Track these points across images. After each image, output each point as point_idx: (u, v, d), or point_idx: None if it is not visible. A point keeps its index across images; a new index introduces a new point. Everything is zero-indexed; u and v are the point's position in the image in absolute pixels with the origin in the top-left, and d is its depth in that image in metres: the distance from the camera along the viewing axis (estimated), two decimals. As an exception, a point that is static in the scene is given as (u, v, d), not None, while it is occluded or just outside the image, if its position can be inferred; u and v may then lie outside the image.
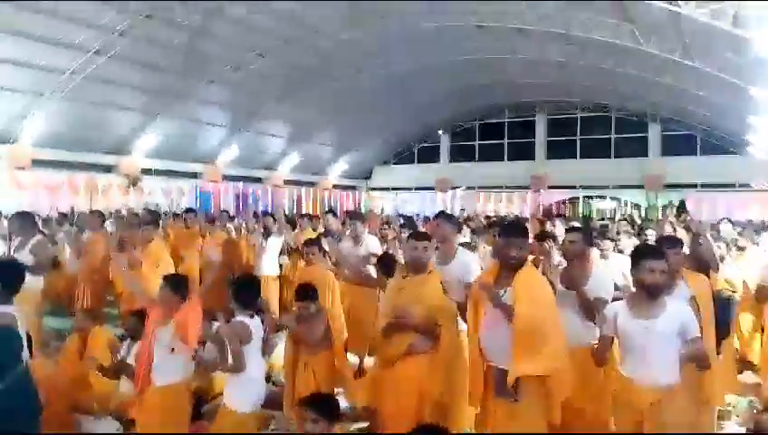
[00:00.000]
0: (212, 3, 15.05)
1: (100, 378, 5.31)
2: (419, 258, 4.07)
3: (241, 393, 3.91)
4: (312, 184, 29.99)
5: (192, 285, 8.26)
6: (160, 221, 10.00)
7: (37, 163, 18.14)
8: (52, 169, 18.63)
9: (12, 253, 6.40)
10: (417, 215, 21.49)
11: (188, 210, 10.19)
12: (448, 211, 24.17)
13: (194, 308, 4.07)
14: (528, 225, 12.23)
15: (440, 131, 31.65)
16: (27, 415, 3.33)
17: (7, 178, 17.24)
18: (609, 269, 5.88)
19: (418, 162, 32.74)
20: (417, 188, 31.61)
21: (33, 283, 6.44)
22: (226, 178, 24.96)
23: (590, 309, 4.14)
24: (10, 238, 7.20)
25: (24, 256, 6.35)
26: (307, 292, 4.69)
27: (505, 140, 30.49)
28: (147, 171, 21.53)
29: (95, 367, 5.07)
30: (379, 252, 7.26)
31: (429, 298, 3.96)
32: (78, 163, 19.48)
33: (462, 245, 5.78)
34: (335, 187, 31.37)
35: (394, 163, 33.29)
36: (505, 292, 3.47)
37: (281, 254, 8.76)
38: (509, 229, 3.71)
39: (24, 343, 3.79)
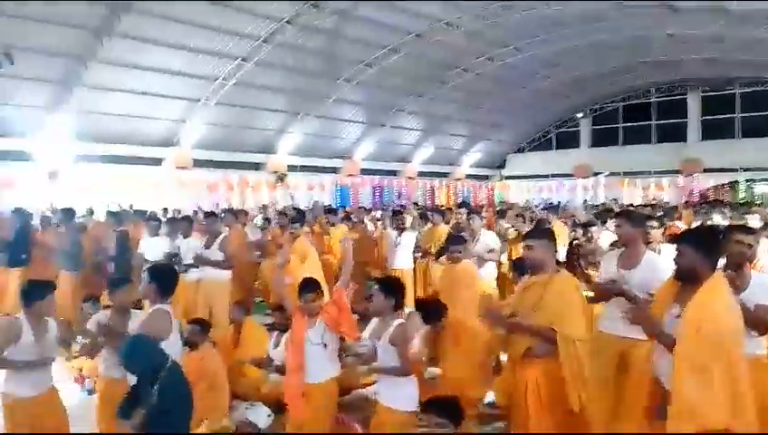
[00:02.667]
0: (345, 3, 15.57)
1: (252, 367, 5.79)
2: (528, 258, 3.86)
3: (404, 393, 3.92)
4: (444, 175, 30.05)
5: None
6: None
7: (197, 163, 20.00)
8: (209, 169, 20.42)
9: (203, 249, 7.14)
10: (553, 204, 20.73)
11: (329, 210, 10.66)
12: (591, 199, 23.19)
13: (338, 301, 4.26)
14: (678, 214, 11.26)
15: (579, 115, 30.15)
16: (181, 412, 3.45)
17: (172, 178, 19.19)
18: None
19: (556, 148, 31.45)
20: (554, 176, 30.45)
21: (223, 276, 7.20)
22: (363, 171, 25.82)
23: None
24: (172, 238, 8.08)
25: (214, 253, 7.07)
26: (432, 311, 4.72)
27: (653, 122, 28.33)
28: (291, 168, 22.88)
29: (250, 360, 5.49)
30: (497, 248, 7.13)
31: (549, 301, 3.70)
32: (231, 162, 21.18)
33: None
34: (468, 177, 31.17)
35: (529, 150, 32.29)
36: (680, 314, 3.02)
37: (415, 248, 8.87)
38: (683, 237, 3.20)
39: (177, 336, 4.18)
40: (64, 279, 8.20)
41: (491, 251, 6.88)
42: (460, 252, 5.63)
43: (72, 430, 4.23)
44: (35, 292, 3.95)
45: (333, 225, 9.76)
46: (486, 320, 4.10)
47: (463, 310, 5.16)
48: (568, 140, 31.01)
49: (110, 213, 10.91)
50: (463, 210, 8.88)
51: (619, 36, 19.26)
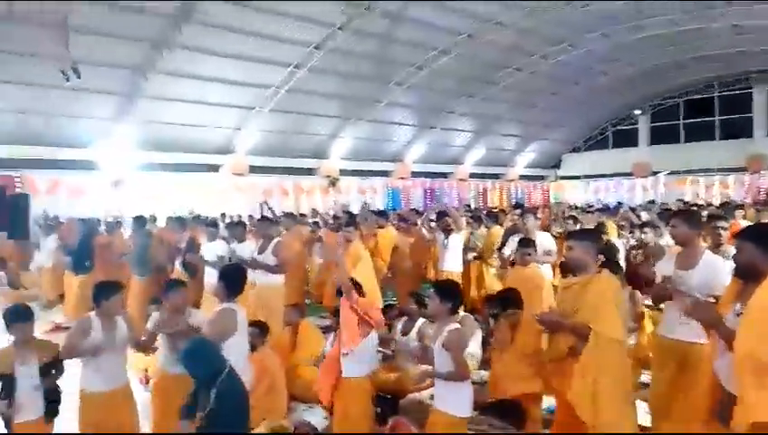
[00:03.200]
0: (395, 4, 15.63)
1: (309, 368, 5.88)
2: (569, 259, 3.90)
3: (458, 398, 3.92)
4: (497, 176, 29.71)
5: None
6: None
7: (252, 169, 20.47)
8: (264, 175, 20.85)
9: (256, 254, 7.31)
10: (620, 204, 20.22)
11: (380, 213, 10.70)
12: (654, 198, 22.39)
13: (349, 310, 4.39)
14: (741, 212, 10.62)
15: (637, 112, 29.22)
16: (237, 418, 3.55)
17: (229, 184, 19.71)
18: None
19: (613, 147, 30.61)
20: (612, 175, 29.63)
21: (276, 280, 7.35)
22: (414, 174, 25.82)
23: None
24: (229, 242, 8.30)
25: (267, 257, 7.23)
26: (513, 300, 4.69)
27: (716, 118, 27.17)
28: (343, 172, 23.12)
29: (306, 361, 5.58)
30: (554, 249, 7.00)
31: (588, 301, 3.67)
32: (285, 168, 21.57)
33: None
34: (522, 178, 30.72)
35: (585, 149, 31.54)
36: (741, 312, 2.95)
37: (468, 250, 8.82)
38: (742, 233, 3.13)
39: (245, 335, 4.32)
40: (136, 284, 8.58)
41: (547, 252, 6.75)
42: (530, 254, 5.55)
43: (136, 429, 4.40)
44: (101, 293, 4.16)
45: (382, 227, 9.79)
46: (540, 320, 4.04)
47: (530, 312, 5.11)
48: (625, 139, 30.11)
49: (171, 219, 11.32)
50: (518, 211, 8.75)
51: (678, 29, 18.57)
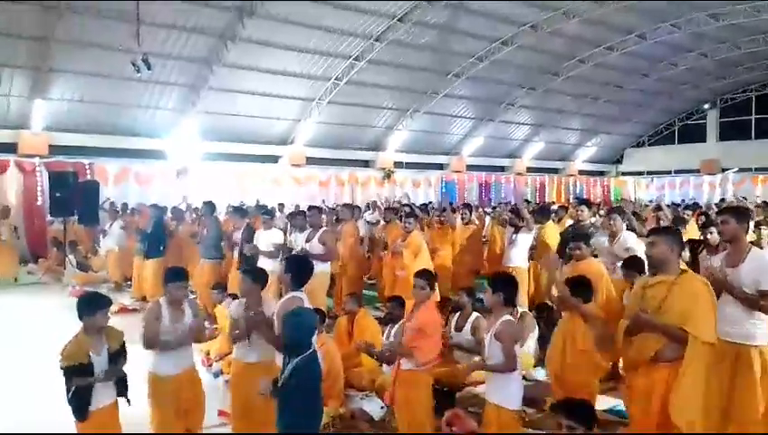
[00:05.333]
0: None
1: (367, 358, 5.92)
2: (649, 255, 3.80)
3: (508, 390, 3.92)
4: (555, 171, 29.08)
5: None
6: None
7: (310, 160, 20.72)
8: (321, 166, 21.09)
9: (304, 243, 7.41)
10: (683, 201, 19.46)
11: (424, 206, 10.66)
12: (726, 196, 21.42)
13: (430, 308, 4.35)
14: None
15: (706, 106, 27.99)
16: (313, 392, 3.63)
17: (287, 175, 20.03)
18: None
19: (679, 142, 29.42)
20: (677, 172, 28.50)
21: (321, 268, 7.41)
22: (470, 168, 25.55)
23: None
24: (287, 231, 8.41)
25: (315, 246, 7.31)
26: (581, 287, 4.65)
27: (792, 113, 25.76)
28: (398, 164, 23.14)
29: (363, 350, 5.61)
30: (639, 249, 6.76)
31: (676, 302, 3.51)
32: (342, 160, 21.77)
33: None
34: (581, 172, 29.95)
35: (649, 144, 30.43)
36: None
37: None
38: None
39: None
40: (207, 268, 8.86)
41: (627, 250, 6.54)
42: (580, 249, 5.45)
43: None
44: (168, 278, 4.30)
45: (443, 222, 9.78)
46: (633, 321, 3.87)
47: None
48: (693, 134, 28.89)
49: (232, 208, 11.60)
50: (584, 207, 8.50)
51: (757, 19, 17.61)
